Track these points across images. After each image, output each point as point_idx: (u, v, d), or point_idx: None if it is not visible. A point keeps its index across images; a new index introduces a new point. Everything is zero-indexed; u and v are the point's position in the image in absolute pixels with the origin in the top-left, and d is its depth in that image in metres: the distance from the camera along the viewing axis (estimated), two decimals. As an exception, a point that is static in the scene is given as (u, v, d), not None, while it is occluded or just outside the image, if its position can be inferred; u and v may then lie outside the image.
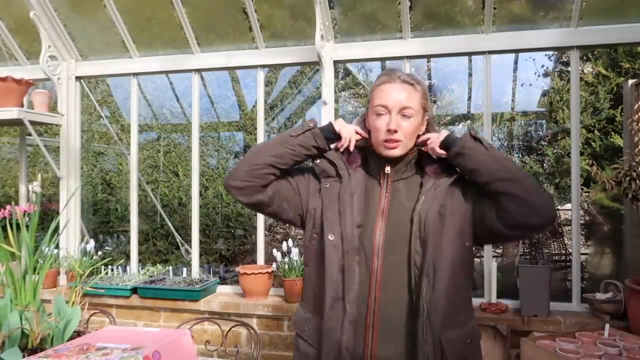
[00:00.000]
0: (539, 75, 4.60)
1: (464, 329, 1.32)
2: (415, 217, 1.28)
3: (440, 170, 1.35)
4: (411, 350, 1.27)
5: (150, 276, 3.18)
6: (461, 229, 1.29)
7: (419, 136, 1.39)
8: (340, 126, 1.40)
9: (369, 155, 1.42)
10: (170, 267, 3.23)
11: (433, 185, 1.32)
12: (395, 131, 1.31)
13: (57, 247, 3.17)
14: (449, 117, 4.83)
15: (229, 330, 2.31)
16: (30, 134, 3.07)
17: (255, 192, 1.37)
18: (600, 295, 2.54)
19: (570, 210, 3.26)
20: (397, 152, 1.34)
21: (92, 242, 3.18)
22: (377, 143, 1.36)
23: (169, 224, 4.41)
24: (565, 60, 4.37)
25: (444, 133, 1.35)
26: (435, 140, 1.34)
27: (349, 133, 1.40)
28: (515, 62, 4.46)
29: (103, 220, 5.41)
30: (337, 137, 1.41)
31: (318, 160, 1.40)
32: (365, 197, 1.36)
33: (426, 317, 1.23)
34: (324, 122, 2.90)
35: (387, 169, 1.37)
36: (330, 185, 1.38)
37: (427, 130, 1.41)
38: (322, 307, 1.30)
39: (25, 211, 2.26)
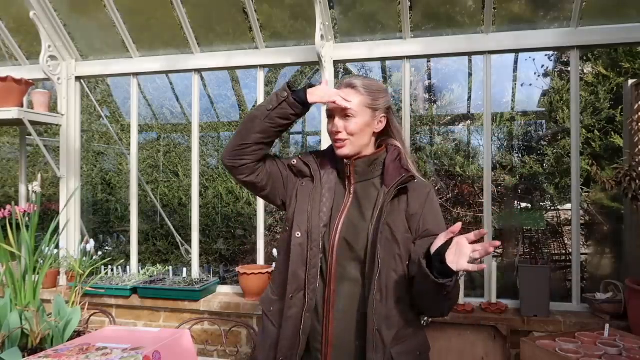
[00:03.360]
0: (539, 75, 4.60)
1: (413, 342, 1.39)
2: (370, 236, 1.35)
3: (393, 175, 1.40)
4: (362, 341, 1.33)
5: (150, 276, 3.18)
6: (406, 247, 1.37)
7: None
8: (315, 97, 1.42)
9: (337, 159, 1.49)
10: (170, 267, 3.23)
11: (384, 198, 1.38)
12: (339, 132, 1.41)
13: (57, 247, 3.17)
14: (449, 117, 4.82)
15: (229, 330, 2.31)
16: (30, 134, 3.07)
17: (249, 171, 1.46)
18: (600, 295, 2.54)
19: (570, 210, 3.26)
20: (345, 151, 1.43)
21: (92, 242, 3.18)
22: (334, 147, 1.47)
23: (169, 224, 4.41)
24: (565, 60, 4.37)
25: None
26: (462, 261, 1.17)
27: (326, 97, 1.41)
28: (515, 62, 4.45)
29: (103, 220, 5.41)
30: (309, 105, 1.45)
31: (294, 161, 1.50)
32: (334, 197, 1.45)
33: (377, 331, 1.30)
34: (324, 123, 2.93)
35: (348, 171, 1.45)
36: (305, 184, 1.48)
37: (389, 126, 1.49)
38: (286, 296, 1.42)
39: (25, 211, 2.25)
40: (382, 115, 1.47)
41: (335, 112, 1.43)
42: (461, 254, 1.15)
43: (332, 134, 1.44)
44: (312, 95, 1.42)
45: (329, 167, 1.49)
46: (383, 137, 1.51)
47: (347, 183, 1.47)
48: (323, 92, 1.42)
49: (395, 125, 1.51)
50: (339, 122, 1.42)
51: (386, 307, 1.32)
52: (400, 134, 1.52)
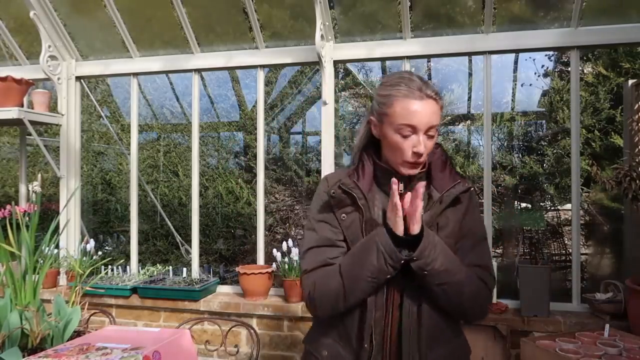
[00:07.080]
0: (539, 75, 4.60)
1: (451, 345, 1.31)
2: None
3: (445, 183, 1.30)
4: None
5: (150, 276, 3.18)
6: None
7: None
8: (399, 222, 1.21)
9: (378, 171, 1.33)
10: (170, 267, 3.23)
11: (435, 208, 1.27)
12: (423, 152, 1.24)
13: (57, 247, 3.16)
14: (449, 117, 4.83)
15: (229, 330, 2.31)
16: (30, 134, 3.07)
17: None
18: (600, 295, 2.54)
19: (570, 210, 3.26)
20: (417, 171, 1.28)
21: (92, 242, 3.18)
22: (396, 162, 1.27)
23: (169, 224, 4.42)
24: (565, 60, 4.37)
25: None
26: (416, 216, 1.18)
27: (399, 215, 1.21)
28: (515, 62, 4.46)
29: (103, 220, 5.42)
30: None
31: (333, 192, 1.30)
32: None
33: (411, 334, 1.23)
34: (324, 123, 2.93)
35: (402, 187, 1.28)
36: (347, 217, 1.29)
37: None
38: (350, 337, 1.28)
39: (25, 211, 2.25)
40: None
41: (419, 127, 1.22)
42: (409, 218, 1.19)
43: (414, 154, 1.24)
44: (396, 226, 1.20)
45: (372, 187, 1.32)
46: None
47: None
48: (397, 212, 1.20)
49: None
50: (424, 141, 1.23)
51: (420, 310, 1.25)
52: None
